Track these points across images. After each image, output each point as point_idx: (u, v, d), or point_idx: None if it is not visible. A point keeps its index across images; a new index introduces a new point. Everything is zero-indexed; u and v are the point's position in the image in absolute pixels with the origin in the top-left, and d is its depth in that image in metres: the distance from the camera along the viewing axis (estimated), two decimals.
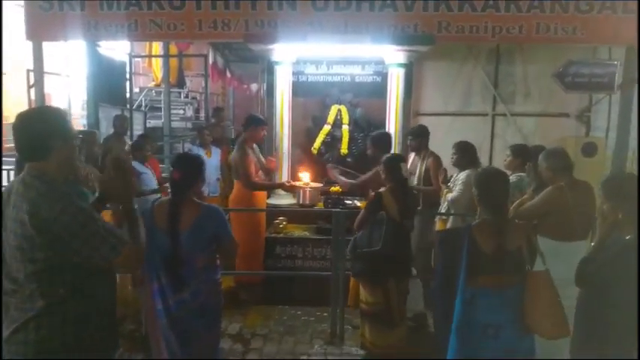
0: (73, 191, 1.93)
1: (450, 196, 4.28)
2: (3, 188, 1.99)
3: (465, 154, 4.41)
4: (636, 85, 5.12)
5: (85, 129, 5.82)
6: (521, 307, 2.31)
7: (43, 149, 1.89)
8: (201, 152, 6.09)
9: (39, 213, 1.79)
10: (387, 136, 4.65)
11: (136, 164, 5.04)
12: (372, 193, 3.53)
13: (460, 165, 4.42)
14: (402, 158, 3.70)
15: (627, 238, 2.28)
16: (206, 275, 2.65)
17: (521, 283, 2.32)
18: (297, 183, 5.07)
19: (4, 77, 17.43)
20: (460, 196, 4.20)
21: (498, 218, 2.38)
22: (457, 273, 2.33)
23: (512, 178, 4.24)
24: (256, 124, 4.92)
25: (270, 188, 5.19)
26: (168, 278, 2.58)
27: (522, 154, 4.37)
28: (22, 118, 1.94)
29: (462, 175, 4.32)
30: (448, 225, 4.35)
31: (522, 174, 4.25)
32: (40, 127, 1.91)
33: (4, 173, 7.07)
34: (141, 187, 4.95)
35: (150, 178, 5.27)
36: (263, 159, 5.05)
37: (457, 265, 2.33)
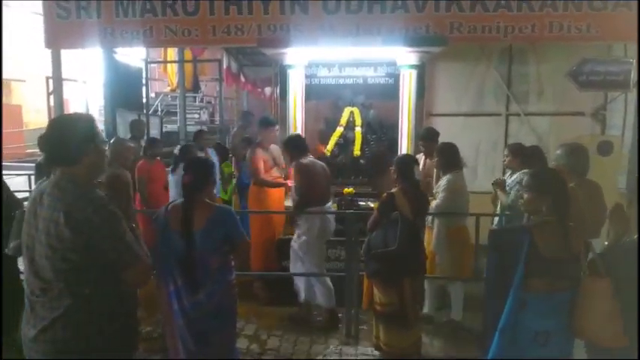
0: (103, 195, 2.01)
1: (433, 203, 4.15)
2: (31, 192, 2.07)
3: (443, 156, 4.26)
4: None
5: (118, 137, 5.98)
6: (571, 312, 2.27)
7: (75, 154, 1.97)
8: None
9: (74, 214, 1.87)
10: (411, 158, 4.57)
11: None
12: (385, 194, 3.53)
13: (441, 168, 4.32)
14: (414, 159, 3.70)
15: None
16: (220, 276, 2.70)
17: (574, 288, 2.28)
18: None
19: (24, 85, 17.81)
20: (442, 204, 4.11)
21: (564, 221, 2.34)
22: (510, 274, 2.28)
23: (520, 175, 4.23)
24: (266, 125, 5.12)
25: (275, 186, 5.23)
26: (183, 279, 2.64)
27: (522, 153, 4.36)
28: (54, 125, 2.04)
29: (444, 180, 4.20)
30: (434, 231, 4.25)
31: (528, 170, 4.22)
32: (72, 133, 1.99)
33: (24, 179, 7.24)
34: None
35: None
36: (282, 159, 5.16)
37: (510, 267, 2.28)
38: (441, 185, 4.21)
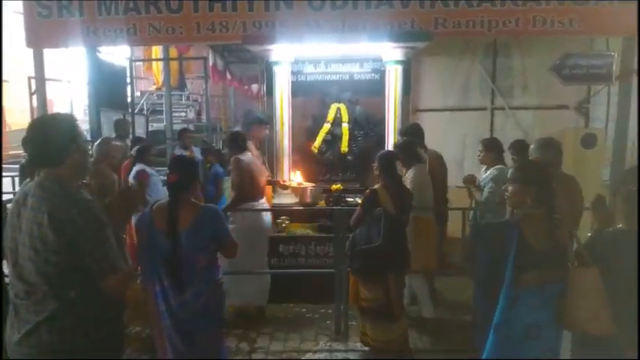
0: (89, 198, 1.99)
1: None
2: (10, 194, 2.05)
3: (402, 152, 4.17)
4: (635, 76, 5.13)
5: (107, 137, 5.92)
6: (561, 304, 2.28)
7: (58, 155, 1.95)
8: (183, 154, 6.23)
9: (57, 214, 1.86)
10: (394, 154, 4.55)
11: (145, 167, 5.09)
12: (367, 191, 3.55)
13: (403, 164, 4.23)
14: (396, 155, 3.72)
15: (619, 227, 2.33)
16: (207, 275, 2.68)
17: (563, 280, 2.28)
18: (290, 183, 5.21)
19: (6, 85, 17.56)
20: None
21: (552, 212, 2.34)
22: (500, 270, 2.27)
23: (493, 171, 4.27)
24: (258, 124, 5.02)
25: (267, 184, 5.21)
26: (169, 279, 2.62)
27: (495, 147, 4.38)
28: (36, 126, 2.01)
29: (410, 174, 4.16)
30: None
31: (502, 166, 4.26)
32: (54, 133, 1.97)
33: (8, 180, 7.14)
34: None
35: (155, 182, 5.26)
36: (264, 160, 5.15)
37: (500, 262, 2.28)
38: (407, 179, 4.14)
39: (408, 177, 4.16)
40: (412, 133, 4.78)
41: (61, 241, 1.85)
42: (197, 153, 6.57)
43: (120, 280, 1.98)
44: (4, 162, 11.79)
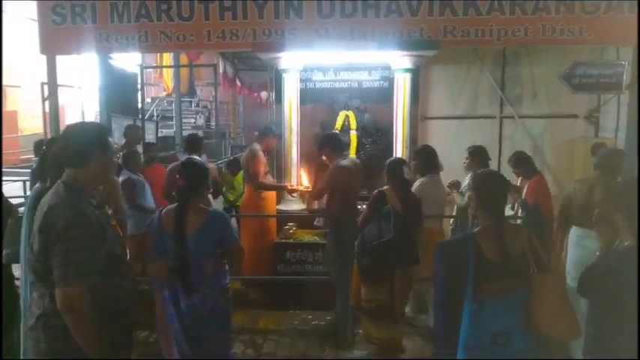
0: (90, 205, 1.99)
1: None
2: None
3: (420, 157, 4.31)
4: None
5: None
6: (528, 310, 2.27)
7: (82, 157, 2.00)
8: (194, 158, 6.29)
9: (48, 216, 1.89)
10: (335, 136, 4.53)
11: (131, 175, 5.13)
12: (375, 191, 3.67)
13: (418, 170, 4.35)
14: (404, 161, 3.86)
15: (625, 244, 2.23)
16: (214, 281, 2.70)
17: (526, 286, 2.28)
18: (298, 187, 5.24)
19: (19, 91, 17.77)
20: None
21: (500, 223, 2.33)
22: (460, 284, 2.28)
23: None
24: (271, 135, 5.28)
25: (275, 189, 5.35)
26: (177, 283, 2.63)
27: (481, 155, 4.37)
28: (67, 128, 2.12)
29: (418, 182, 4.25)
30: None
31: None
32: (81, 136, 2.04)
33: (20, 184, 7.23)
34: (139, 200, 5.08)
35: (143, 188, 5.22)
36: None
37: (460, 277, 2.28)
38: (415, 185, 4.18)
39: (416, 184, 4.20)
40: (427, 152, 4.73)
41: (44, 240, 1.88)
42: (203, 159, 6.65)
43: (62, 295, 1.84)
44: (16, 167, 11.95)
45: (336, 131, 5.30)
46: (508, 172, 4.71)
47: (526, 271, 2.30)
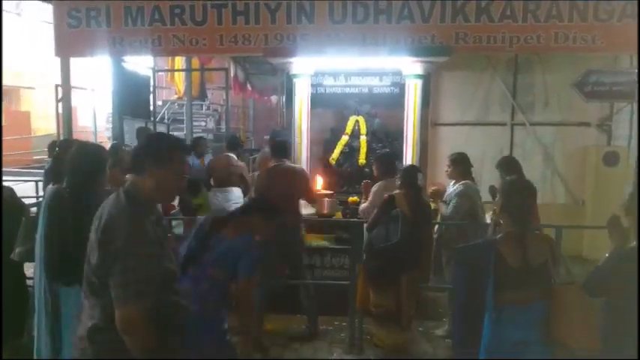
0: (149, 221, 1.93)
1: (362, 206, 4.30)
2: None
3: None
4: None
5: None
6: (548, 322, 2.27)
7: (141, 163, 1.95)
8: (197, 162, 6.60)
9: (108, 230, 1.84)
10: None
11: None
12: (386, 195, 3.69)
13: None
14: (418, 169, 3.90)
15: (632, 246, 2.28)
16: (222, 284, 2.69)
17: (548, 297, 2.28)
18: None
19: (33, 92, 17.97)
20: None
21: (525, 230, 2.34)
22: (480, 291, 2.29)
23: (459, 186, 4.22)
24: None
25: None
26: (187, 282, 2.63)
27: (463, 163, 4.32)
28: (148, 134, 2.15)
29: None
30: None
31: (468, 181, 4.24)
32: (154, 144, 2.02)
33: (32, 184, 7.31)
34: None
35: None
36: None
37: (481, 283, 2.29)
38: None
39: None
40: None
41: (103, 255, 1.84)
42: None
43: (128, 315, 1.81)
44: (28, 167, 12.08)
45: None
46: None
47: (547, 282, 2.29)
